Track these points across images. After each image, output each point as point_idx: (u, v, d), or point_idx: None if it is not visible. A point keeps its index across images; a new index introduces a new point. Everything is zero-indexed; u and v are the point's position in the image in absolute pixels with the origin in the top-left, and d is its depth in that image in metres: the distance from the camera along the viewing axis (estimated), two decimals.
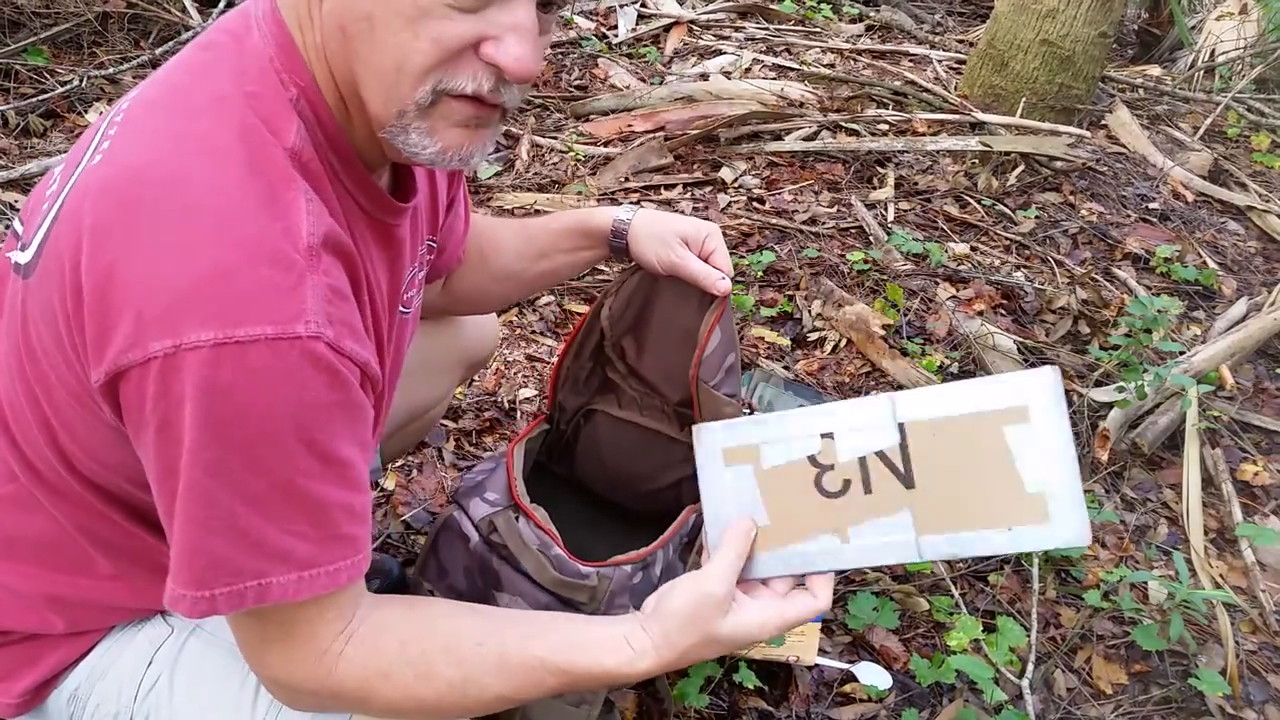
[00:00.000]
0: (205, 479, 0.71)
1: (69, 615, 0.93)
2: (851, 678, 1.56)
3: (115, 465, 0.81)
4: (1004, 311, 2.48)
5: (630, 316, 1.25)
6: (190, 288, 0.67)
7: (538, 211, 2.67)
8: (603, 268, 2.49)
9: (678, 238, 1.15)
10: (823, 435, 0.88)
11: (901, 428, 0.85)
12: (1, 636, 0.93)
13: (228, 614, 0.77)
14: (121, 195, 0.71)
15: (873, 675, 1.55)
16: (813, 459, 0.89)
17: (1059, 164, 3.12)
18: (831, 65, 3.76)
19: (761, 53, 3.80)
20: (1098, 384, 2.19)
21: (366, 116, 0.78)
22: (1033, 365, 2.26)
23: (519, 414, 2.01)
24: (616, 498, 1.42)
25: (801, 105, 3.36)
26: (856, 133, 3.22)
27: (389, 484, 1.80)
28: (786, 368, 2.23)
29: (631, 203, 2.79)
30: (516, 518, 1.13)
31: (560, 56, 3.64)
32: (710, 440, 0.93)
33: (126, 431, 0.74)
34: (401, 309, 0.99)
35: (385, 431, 1.29)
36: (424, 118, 0.75)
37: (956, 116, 3.29)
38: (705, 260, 1.14)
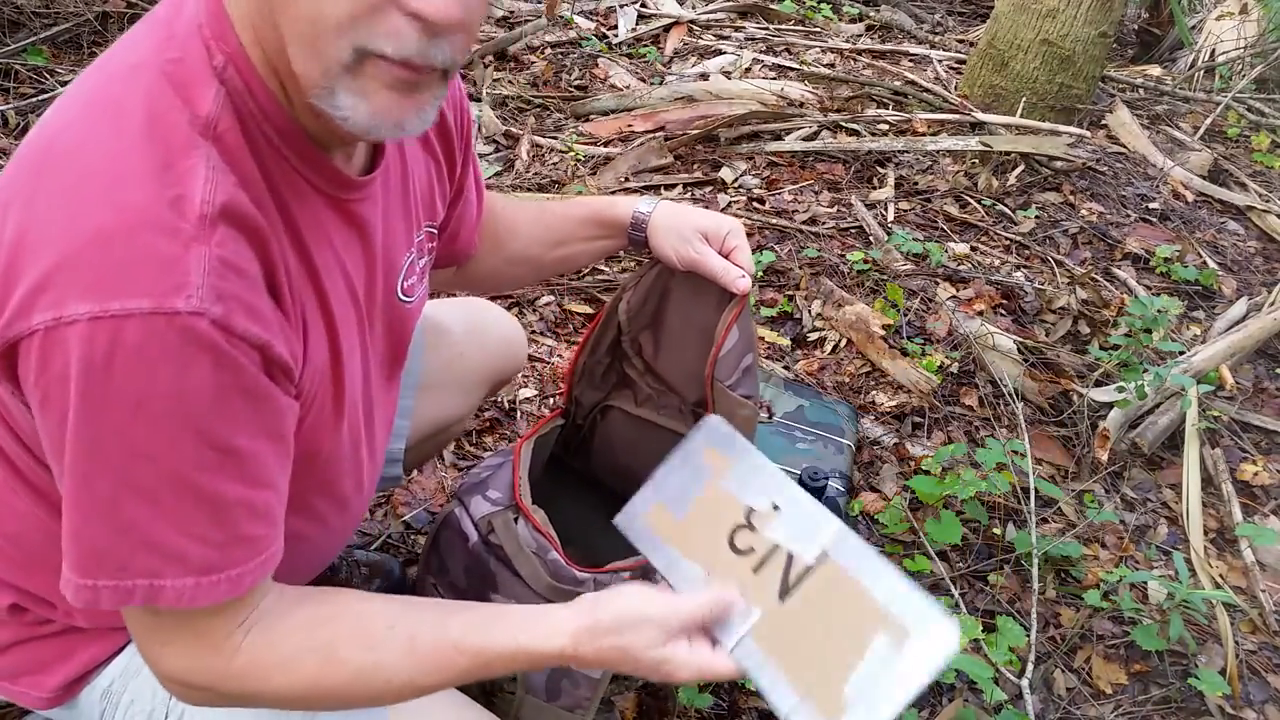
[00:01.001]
0: (84, 461, 0.68)
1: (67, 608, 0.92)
2: None
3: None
4: (1004, 311, 2.48)
5: (648, 312, 1.23)
6: (72, 255, 0.65)
7: None
8: (603, 267, 2.49)
9: (698, 233, 1.12)
10: (774, 505, 0.91)
11: (823, 555, 0.87)
12: (39, 627, 0.93)
13: (112, 608, 0.73)
14: (29, 162, 0.70)
15: None
16: (750, 512, 0.92)
17: (1059, 164, 3.12)
18: (831, 65, 3.76)
19: (761, 53, 3.80)
20: (1097, 384, 2.19)
21: (299, 85, 0.72)
22: (1032, 365, 2.26)
23: (519, 414, 2.01)
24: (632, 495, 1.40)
25: (801, 105, 3.36)
26: (856, 133, 3.22)
27: None
28: (786, 368, 2.23)
29: None
30: (516, 519, 1.12)
31: (560, 56, 3.64)
32: (710, 431, 0.94)
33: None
34: (402, 297, 0.96)
35: (410, 443, 1.29)
36: (351, 77, 0.70)
37: (956, 116, 3.29)
38: (726, 257, 1.12)
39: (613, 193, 2.82)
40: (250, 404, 0.71)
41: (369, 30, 0.67)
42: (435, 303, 1.39)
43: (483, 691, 1.14)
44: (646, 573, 1.14)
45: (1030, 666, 1.56)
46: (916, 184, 3.00)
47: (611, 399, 1.34)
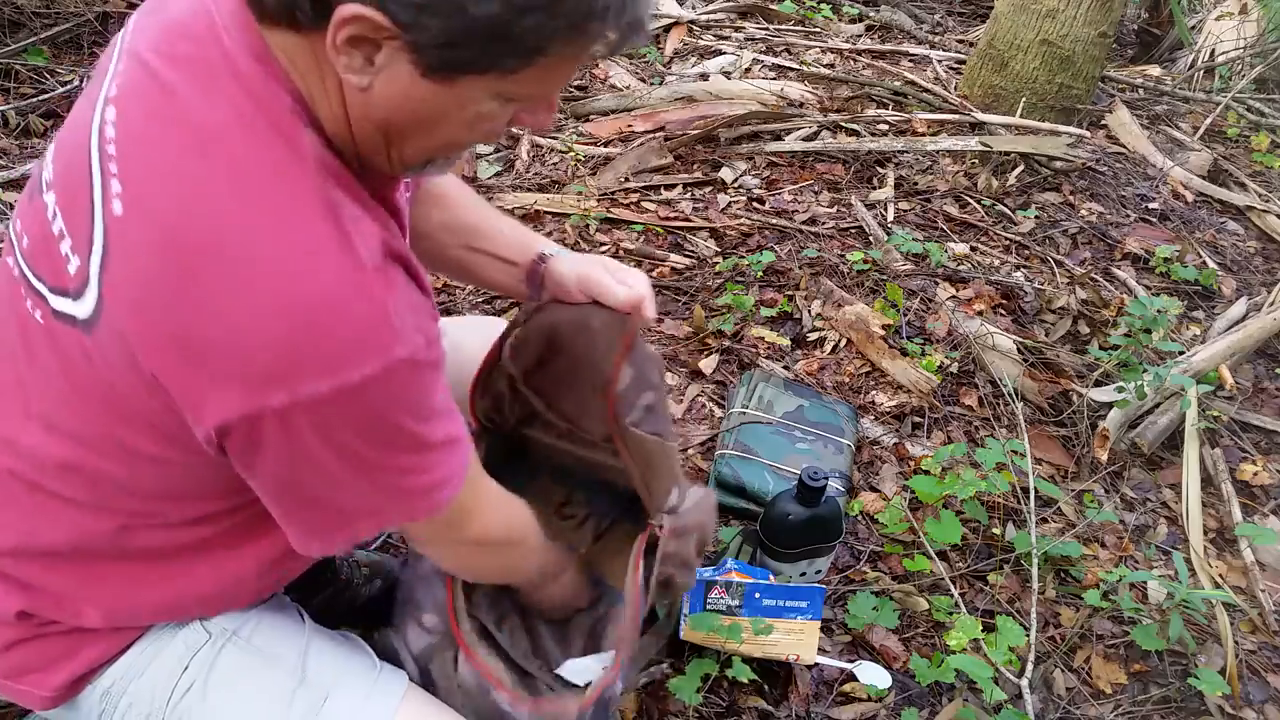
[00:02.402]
0: (353, 481, 0.80)
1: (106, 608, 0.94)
2: (851, 677, 1.56)
3: (200, 481, 0.88)
4: (1004, 311, 2.48)
5: (532, 354, 1.19)
6: (289, 345, 0.70)
7: (538, 212, 2.67)
8: None
9: (599, 263, 1.16)
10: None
11: None
12: (45, 626, 0.94)
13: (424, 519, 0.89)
14: (174, 261, 0.71)
15: (873, 675, 1.56)
16: None
17: (1059, 164, 3.12)
18: (831, 65, 3.76)
19: (761, 53, 3.80)
20: (1097, 384, 2.19)
21: (362, 149, 0.79)
22: (1032, 365, 2.26)
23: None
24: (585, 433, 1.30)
25: (801, 105, 3.36)
26: (856, 133, 3.22)
27: None
28: (786, 368, 2.23)
29: (631, 203, 2.79)
30: (455, 656, 1.06)
31: None
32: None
33: (233, 465, 0.80)
34: None
35: None
36: (446, 159, 0.84)
37: (956, 116, 3.30)
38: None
39: (612, 193, 2.82)
40: (442, 393, 0.84)
41: (482, 139, 0.81)
42: (454, 322, 1.38)
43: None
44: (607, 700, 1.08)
45: (1030, 666, 1.56)
46: (916, 184, 3.00)
47: (527, 428, 1.29)
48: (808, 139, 3.16)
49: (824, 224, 2.76)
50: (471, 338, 1.36)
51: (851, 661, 1.58)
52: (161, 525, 0.90)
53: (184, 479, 0.86)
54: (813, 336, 2.33)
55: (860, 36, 4.17)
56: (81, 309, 0.78)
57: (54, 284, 0.81)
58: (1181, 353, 2.31)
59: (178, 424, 0.77)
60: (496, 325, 1.46)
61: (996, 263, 2.68)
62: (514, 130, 0.83)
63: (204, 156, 0.72)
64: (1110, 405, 2.11)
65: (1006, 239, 2.79)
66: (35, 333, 0.84)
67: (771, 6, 4.26)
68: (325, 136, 0.77)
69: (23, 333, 0.85)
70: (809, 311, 2.39)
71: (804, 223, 2.75)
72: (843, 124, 3.24)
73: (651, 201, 2.82)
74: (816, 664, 1.55)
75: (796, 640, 1.51)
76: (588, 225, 2.62)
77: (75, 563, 0.92)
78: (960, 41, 4.25)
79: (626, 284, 1.13)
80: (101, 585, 0.93)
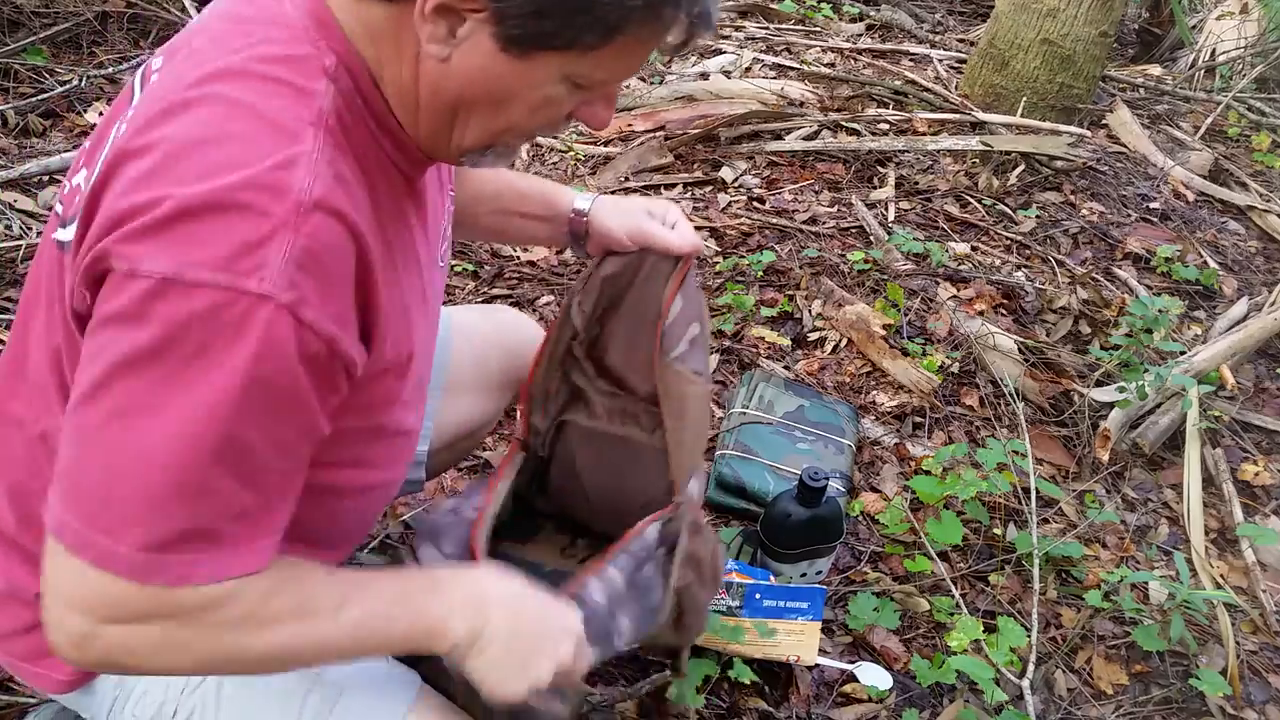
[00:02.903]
0: (105, 403, 0.69)
1: None
2: (852, 678, 1.56)
3: None
4: (1005, 311, 2.48)
5: (600, 308, 1.20)
6: (163, 218, 0.68)
7: None
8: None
9: (643, 210, 1.16)
10: None
11: None
12: None
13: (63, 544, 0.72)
14: (137, 157, 0.72)
15: (874, 676, 1.55)
16: None
17: (1059, 163, 3.11)
18: (832, 65, 3.76)
19: (761, 52, 3.79)
20: (1098, 384, 2.19)
21: (420, 128, 0.81)
22: (1033, 365, 2.26)
23: (518, 413, 2.01)
24: (601, 525, 1.30)
25: (802, 105, 3.36)
26: (857, 132, 3.22)
27: None
28: (787, 368, 2.23)
29: None
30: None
31: None
32: None
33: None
34: (440, 261, 1.01)
35: (434, 446, 1.29)
36: (506, 149, 0.85)
37: (957, 116, 3.29)
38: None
39: (612, 192, 2.82)
40: (279, 405, 0.72)
41: (542, 129, 0.83)
42: (458, 308, 1.39)
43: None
44: (583, 599, 1.04)
45: (1031, 667, 1.56)
46: (917, 184, 2.99)
47: (566, 414, 1.28)
48: (808, 138, 3.16)
49: (824, 224, 2.76)
50: (484, 326, 1.39)
51: (852, 663, 1.57)
52: None
53: None
54: (813, 336, 2.33)
55: (861, 36, 4.17)
56: (68, 231, 0.80)
57: (63, 219, 0.84)
58: (1183, 353, 2.30)
59: None
60: (505, 311, 1.47)
61: (997, 262, 2.68)
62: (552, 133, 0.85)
63: (203, 88, 0.74)
64: (1111, 405, 2.11)
65: (1007, 239, 2.79)
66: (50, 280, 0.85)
67: (772, 6, 4.25)
68: (381, 102, 0.79)
69: (48, 291, 0.86)
70: (809, 311, 2.39)
71: (804, 222, 2.75)
72: (843, 123, 3.23)
73: None
74: (817, 665, 1.54)
75: (797, 641, 1.51)
76: None
77: None
78: (961, 41, 4.25)
79: (677, 229, 1.15)
80: None
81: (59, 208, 0.88)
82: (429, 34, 0.73)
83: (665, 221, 1.16)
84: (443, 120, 0.80)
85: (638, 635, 1.05)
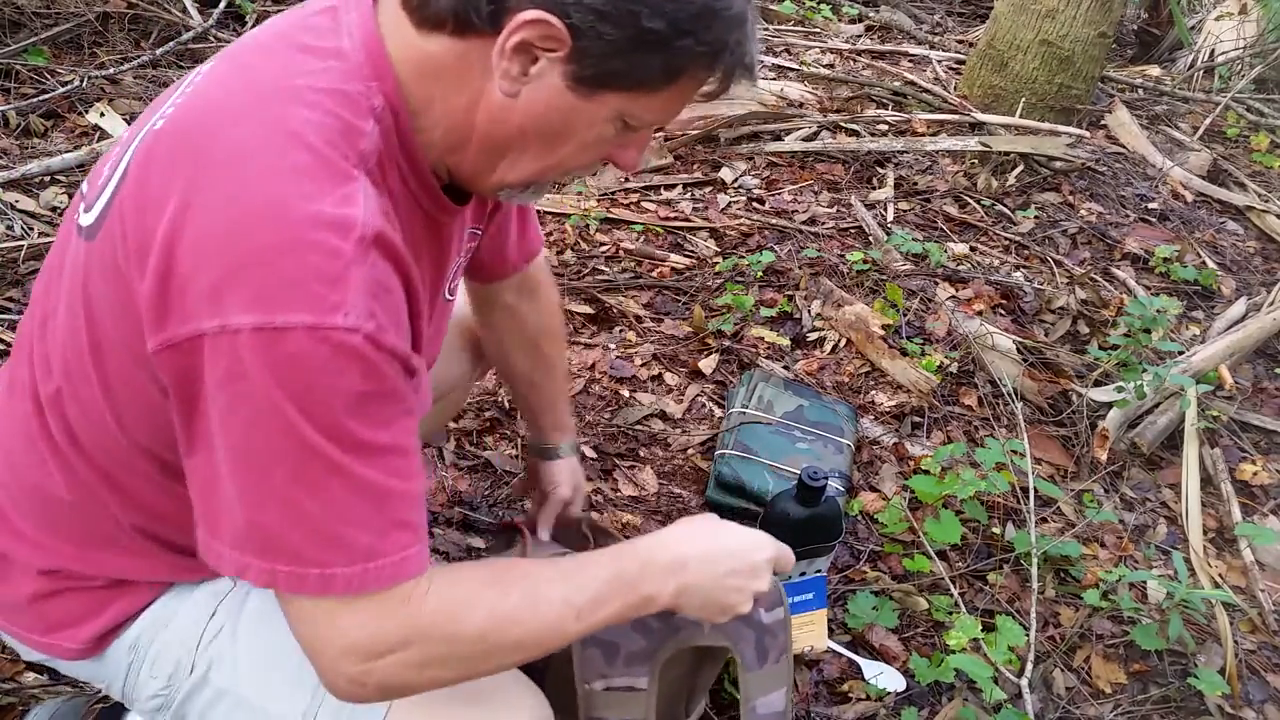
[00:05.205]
0: (255, 454, 0.73)
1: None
2: (851, 676, 1.56)
3: (163, 427, 0.81)
4: (1003, 311, 2.48)
5: None
6: (238, 266, 0.69)
7: (538, 213, 2.67)
8: (602, 267, 2.49)
9: (578, 490, 1.42)
10: None
11: None
12: (73, 581, 0.94)
13: (281, 589, 0.77)
14: (193, 147, 0.74)
15: (887, 679, 1.55)
16: None
17: (1058, 164, 3.12)
18: (831, 65, 3.76)
19: (761, 53, 3.80)
20: (1097, 384, 2.19)
21: (465, 158, 0.82)
22: (1032, 365, 2.27)
23: (519, 414, 2.02)
24: None
25: (801, 105, 3.36)
26: (856, 133, 3.23)
27: None
28: (786, 368, 2.24)
29: (631, 203, 2.79)
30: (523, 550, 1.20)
31: None
32: None
33: (170, 397, 0.76)
34: (446, 295, 1.02)
35: None
36: (543, 185, 0.87)
37: (956, 117, 3.30)
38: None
39: (612, 193, 2.82)
40: (393, 406, 0.76)
41: (582, 169, 0.87)
42: None
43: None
44: None
45: (1030, 666, 1.56)
46: (916, 184, 3.00)
47: None
48: (807, 139, 3.16)
49: (824, 224, 2.76)
50: None
51: (857, 653, 1.58)
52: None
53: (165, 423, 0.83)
54: (812, 336, 2.33)
55: (860, 37, 4.17)
56: (90, 216, 0.81)
57: (86, 203, 0.84)
58: (1181, 353, 2.31)
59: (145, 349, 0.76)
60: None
61: (996, 263, 2.68)
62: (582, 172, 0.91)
63: (270, 99, 0.75)
64: (1110, 405, 2.12)
65: (1006, 239, 2.80)
66: (70, 265, 0.86)
67: (771, 6, 4.26)
68: (404, 140, 0.80)
69: (69, 280, 0.86)
70: (809, 311, 2.39)
71: (804, 223, 2.76)
72: (842, 124, 3.24)
73: (651, 201, 2.82)
74: (817, 664, 1.55)
75: (809, 632, 1.51)
76: (588, 225, 2.63)
77: None
78: (960, 42, 4.25)
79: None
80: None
81: (84, 188, 0.88)
82: (504, 70, 0.75)
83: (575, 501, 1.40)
84: (494, 155, 0.81)
85: None
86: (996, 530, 1.87)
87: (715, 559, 0.96)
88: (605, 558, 0.92)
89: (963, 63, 3.77)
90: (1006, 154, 3.10)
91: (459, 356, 1.42)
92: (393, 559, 0.77)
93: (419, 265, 0.85)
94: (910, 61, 3.88)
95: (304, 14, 0.82)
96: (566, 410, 1.43)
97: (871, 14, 4.43)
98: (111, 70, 2.85)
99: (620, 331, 2.30)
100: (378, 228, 0.73)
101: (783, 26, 4.18)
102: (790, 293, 2.46)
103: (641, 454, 1.98)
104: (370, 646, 0.79)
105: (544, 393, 1.41)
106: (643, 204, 2.80)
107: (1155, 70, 4.33)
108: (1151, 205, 3.07)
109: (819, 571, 1.67)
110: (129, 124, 0.90)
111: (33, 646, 0.98)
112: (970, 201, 2.94)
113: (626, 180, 2.89)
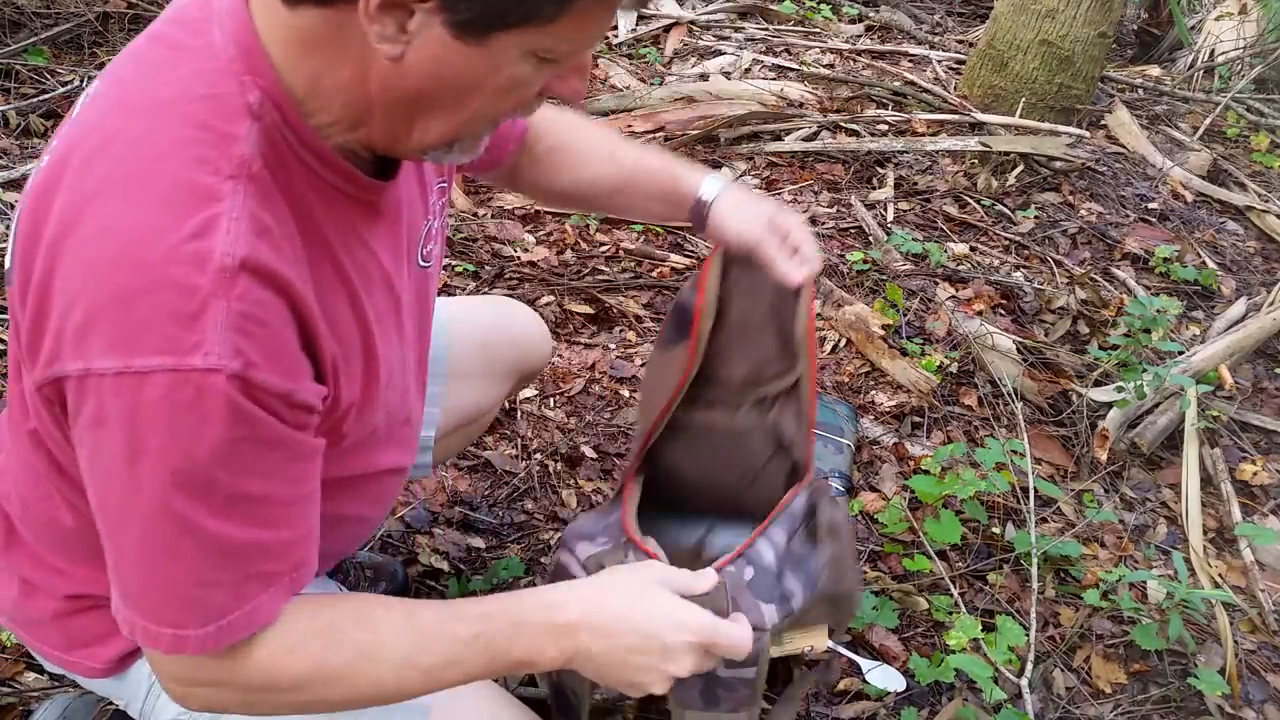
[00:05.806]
0: (113, 509, 0.73)
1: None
2: (849, 674, 1.56)
3: None
4: (1003, 311, 2.48)
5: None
6: (97, 311, 0.67)
7: (538, 212, 2.67)
8: (602, 267, 2.49)
9: (766, 220, 1.14)
10: None
11: None
12: (105, 600, 0.93)
13: (142, 645, 0.78)
14: (61, 193, 0.71)
15: (887, 679, 1.55)
16: None
17: (1058, 164, 3.12)
18: (831, 65, 3.76)
19: (761, 53, 3.80)
20: (1097, 384, 2.19)
21: (373, 130, 0.76)
22: (1032, 365, 2.27)
23: (519, 414, 2.02)
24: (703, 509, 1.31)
25: (801, 105, 3.36)
26: (856, 133, 3.23)
27: None
28: None
29: None
30: (626, 554, 1.06)
31: None
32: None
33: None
34: (421, 262, 0.98)
35: (440, 432, 1.30)
36: (472, 138, 0.79)
37: (956, 117, 3.30)
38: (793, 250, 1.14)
39: None
40: (264, 452, 0.73)
41: (513, 111, 0.78)
42: (463, 300, 1.43)
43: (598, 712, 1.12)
44: (751, 560, 1.09)
45: (1029, 666, 1.56)
46: (916, 184, 3.00)
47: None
48: (807, 139, 3.16)
49: (824, 224, 2.76)
50: (485, 313, 1.43)
51: (856, 652, 1.57)
52: None
53: None
54: None
55: (860, 37, 4.17)
56: (7, 262, 0.80)
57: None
58: (1181, 353, 2.31)
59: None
60: (508, 302, 1.51)
61: (996, 263, 2.69)
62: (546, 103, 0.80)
63: (129, 123, 0.72)
64: (1110, 405, 2.12)
65: (1006, 239, 2.80)
66: None
67: (771, 7, 4.26)
68: (309, 132, 0.76)
69: None
70: None
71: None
72: (842, 124, 3.24)
73: None
74: (818, 662, 1.54)
75: (807, 633, 1.51)
76: (588, 225, 2.63)
77: None
78: (960, 42, 4.25)
79: (798, 256, 1.12)
80: None
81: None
82: (378, 33, 0.68)
83: (787, 240, 1.13)
84: (402, 121, 0.75)
85: (806, 601, 1.08)
86: (996, 530, 1.87)
87: (616, 633, 0.85)
88: (476, 612, 0.84)
89: (963, 63, 3.77)
90: (1006, 154, 3.10)
91: (492, 381, 1.40)
92: (245, 611, 0.76)
93: (352, 252, 0.82)
94: (910, 61, 3.88)
95: (179, 4, 0.78)
96: (683, 162, 1.23)
97: (871, 14, 4.43)
98: None
99: (620, 331, 2.30)
100: (243, 254, 0.69)
101: (783, 26, 4.18)
102: None
103: None
104: (190, 677, 0.80)
105: (648, 161, 1.23)
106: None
107: (1155, 70, 4.33)
108: (1151, 205, 3.07)
109: None
110: None
111: (55, 662, 0.98)
112: (970, 201, 2.94)
113: None
